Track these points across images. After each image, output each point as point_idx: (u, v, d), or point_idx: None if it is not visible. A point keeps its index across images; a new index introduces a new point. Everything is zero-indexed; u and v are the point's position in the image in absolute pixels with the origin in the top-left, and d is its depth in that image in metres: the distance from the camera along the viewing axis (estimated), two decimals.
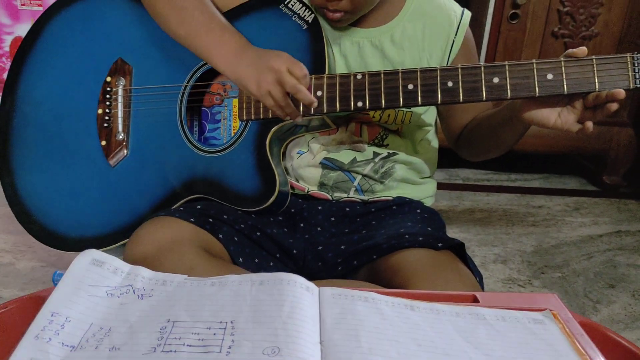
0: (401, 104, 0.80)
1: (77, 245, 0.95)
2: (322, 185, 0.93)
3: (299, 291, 0.47)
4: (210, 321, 0.43)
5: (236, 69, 0.82)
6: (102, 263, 0.48)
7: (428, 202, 0.99)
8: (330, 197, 0.93)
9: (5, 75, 1.73)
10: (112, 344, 0.40)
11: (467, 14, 0.94)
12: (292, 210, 0.91)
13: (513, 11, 1.76)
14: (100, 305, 0.45)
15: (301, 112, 0.82)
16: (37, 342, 0.39)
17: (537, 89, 0.76)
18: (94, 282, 0.46)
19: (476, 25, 1.80)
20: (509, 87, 0.77)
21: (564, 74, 0.75)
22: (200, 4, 0.86)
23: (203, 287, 0.48)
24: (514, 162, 2.03)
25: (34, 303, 0.53)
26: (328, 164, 0.92)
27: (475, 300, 0.55)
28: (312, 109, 0.82)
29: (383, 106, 0.81)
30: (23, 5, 1.69)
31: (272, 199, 0.85)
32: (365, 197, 0.94)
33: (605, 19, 1.80)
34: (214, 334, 0.42)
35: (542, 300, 0.55)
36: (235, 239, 0.82)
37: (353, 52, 0.90)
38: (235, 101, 0.92)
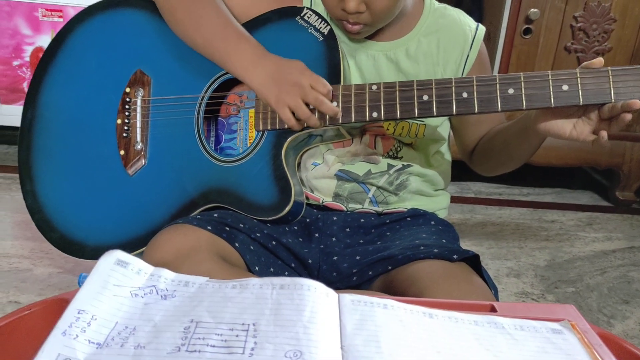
0: (416, 115, 0.81)
1: (95, 253, 0.96)
2: (336, 196, 0.94)
3: (319, 296, 0.48)
4: (233, 323, 0.44)
5: (254, 78, 0.83)
6: (126, 263, 0.49)
7: (442, 214, 0.99)
8: (344, 208, 0.94)
9: (25, 84, 1.76)
10: (137, 343, 0.41)
11: (482, 29, 0.95)
12: (307, 220, 0.92)
13: (526, 26, 1.77)
14: (124, 305, 0.45)
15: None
16: (64, 339, 0.40)
17: (552, 99, 0.76)
18: (118, 282, 0.47)
19: (489, 39, 1.80)
20: (524, 98, 0.77)
21: (579, 85, 0.75)
22: (217, 12, 0.88)
23: (225, 289, 0.48)
24: (526, 175, 2.03)
25: (57, 305, 0.53)
26: (343, 176, 0.93)
27: (492, 309, 0.55)
28: (328, 119, 0.83)
29: (398, 117, 0.81)
30: (44, 16, 1.72)
31: (287, 209, 0.85)
32: (379, 209, 0.94)
33: (618, 35, 1.80)
34: (237, 336, 0.42)
35: (559, 310, 0.55)
36: (251, 247, 0.83)
37: (368, 65, 0.91)
38: (252, 112, 0.93)
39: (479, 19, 0.97)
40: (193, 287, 0.48)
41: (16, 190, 1.63)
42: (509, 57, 1.81)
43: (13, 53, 1.76)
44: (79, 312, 0.43)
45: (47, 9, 1.72)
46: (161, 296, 0.47)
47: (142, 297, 0.46)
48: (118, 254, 0.49)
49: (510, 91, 0.77)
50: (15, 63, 1.77)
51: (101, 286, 0.46)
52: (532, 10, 1.75)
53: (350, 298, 0.50)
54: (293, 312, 0.45)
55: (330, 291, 0.50)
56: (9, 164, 1.83)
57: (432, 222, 0.94)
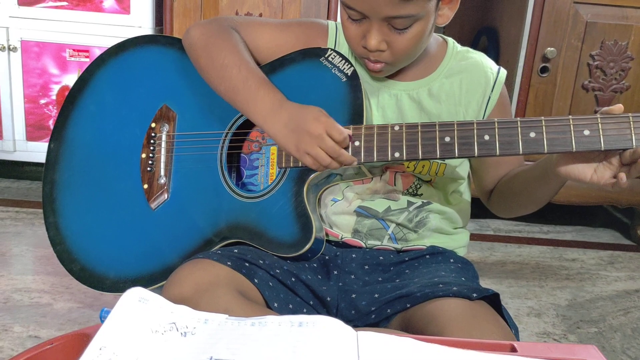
0: (438, 156, 0.81)
1: (115, 286, 0.97)
2: (355, 232, 0.94)
3: (338, 334, 0.48)
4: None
5: (272, 126, 0.85)
6: (147, 301, 0.50)
7: (461, 252, 0.99)
8: (364, 245, 0.94)
9: (51, 122, 1.81)
10: None
11: (503, 72, 0.96)
12: (326, 257, 0.92)
13: (543, 64, 1.78)
14: (145, 341, 0.46)
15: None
16: None
17: (574, 144, 0.77)
18: (139, 318, 0.47)
19: (506, 78, 1.82)
20: (545, 142, 0.78)
21: (600, 130, 0.76)
22: (239, 62, 0.90)
23: (243, 326, 0.49)
24: (546, 213, 2.01)
25: (78, 340, 0.54)
26: (362, 212, 0.93)
27: (513, 349, 0.55)
28: None
29: (420, 157, 0.82)
30: (71, 56, 1.78)
31: (308, 246, 0.86)
32: (398, 246, 0.94)
33: (636, 72, 1.80)
34: None
35: (581, 351, 0.55)
36: (270, 284, 0.83)
37: (391, 104, 0.93)
38: (273, 148, 0.95)
39: (495, 57, 0.98)
40: (212, 325, 0.49)
41: (38, 225, 1.65)
42: (526, 95, 1.81)
43: (40, 92, 1.81)
44: (100, 349, 0.43)
45: (74, 49, 1.78)
46: (181, 333, 0.47)
47: (163, 333, 0.47)
48: (139, 292, 0.50)
49: (532, 134, 0.78)
50: (42, 101, 1.82)
51: (122, 323, 0.47)
52: (548, 49, 1.76)
53: (369, 336, 0.50)
54: (312, 349, 0.45)
55: (349, 329, 0.50)
56: (32, 199, 1.86)
57: (451, 260, 0.94)
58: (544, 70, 1.79)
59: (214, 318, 0.50)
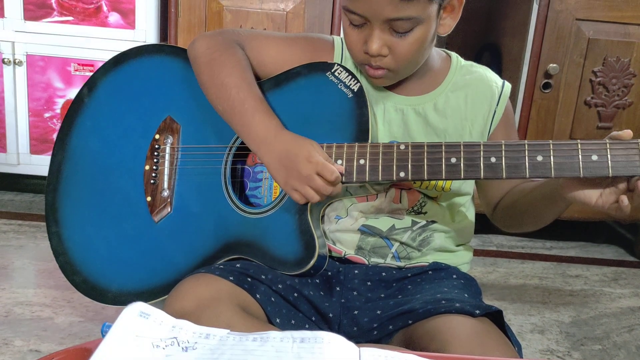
0: (443, 177, 0.81)
1: (118, 299, 0.96)
2: (359, 249, 0.94)
3: (340, 350, 0.48)
4: None
5: (264, 156, 0.85)
6: (149, 315, 0.49)
7: (464, 269, 0.98)
8: (366, 262, 0.94)
9: (55, 136, 1.82)
10: None
11: (508, 86, 0.96)
12: (329, 274, 0.92)
13: (545, 81, 1.79)
14: (146, 356, 0.46)
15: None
16: None
17: (581, 169, 0.76)
18: (140, 333, 0.47)
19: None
20: (552, 166, 0.77)
21: (609, 156, 0.75)
22: (239, 82, 0.89)
23: (245, 342, 0.48)
24: (549, 229, 2.00)
25: (79, 355, 0.54)
26: (366, 230, 0.93)
27: None
28: (355, 176, 0.84)
29: (425, 178, 0.81)
30: (76, 70, 1.79)
31: (311, 264, 0.85)
32: (401, 264, 0.94)
33: (639, 89, 1.81)
34: None
35: None
36: (273, 299, 0.83)
37: (397, 119, 0.92)
38: None
39: (498, 73, 0.98)
40: (214, 340, 0.48)
41: (41, 238, 1.65)
42: (528, 111, 1.82)
43: (45, 105, 1.83)
44: None
45: (79, 64, 1.79)
46: (182, 348, 0.47)
47: (164, 348, 0.47)
48: (141, 306, 0.50)
49: (539, 158, 0.78)
50: (46, 115, 1.83)
51: (123, 337, 0.46)
52: (551, 65, 1.77)
53: (371, 352, 0.50)
54: None
55: (351, 345, 0.49)
56: (35, 212, 1.87)
57: (454, 276, 0.93)
58: (546, 86, 1.80)
59: (216, 333, 0.49)
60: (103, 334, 0.48)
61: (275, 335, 0.49)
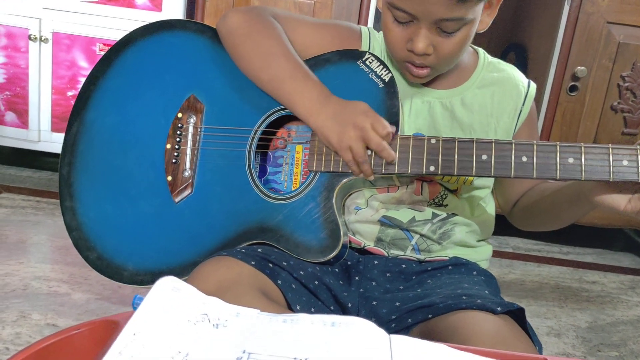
0: (474, 173, 0.80)
1: (134, 278, 0.94)
2: (378, 241, 0.93)
3: (372, 336, 0.47)
4: (285, 356, 0.43)
5: (317, 118, 0.84)
6: (180, 290, 0.49)
7: (483, 265, 0.97)
8: (386, 254, 0.93)
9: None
10: None
11: (533, 86, 0.96)
12: (349, 263, 0.91)
13: (572, 83, 1.77)
14: (177, 330, 0.45)
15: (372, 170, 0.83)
16: (121, 358, 0.40)
17: (611, 174, 0.75)
18: (172, 307, 0.47)
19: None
20: (583, 168, 0.76)
21: (639, 162, 0.75)
22: (286, 51, 0.89)
23: (275, 322, 0.48)
24: (565, 234, 1.99)
25: (106, 327, 0.54)
26: (386, 222, 0.92)
27: None
28: (383, 168, 0.83)
29: (455, 173, 0.80)
30: (101, 50, 1.80)
31: (335, 252, 0.84)
32: (421, 257, 0.93)
33: None
34: None
35: None
36: (293, 286, 0.82)
37: (423, 112, 0.92)
38: (299, 147, 0.93)
39: (523, 73, 0.98)
40: (244, 319, 0.48)
41: (58, 215, 1.64)
42: (553, 113, 1.80)
43: (68, 84, 1.83)
44: (134, 334, 0.43)
45: (104, 44, 1.80)
46: (213, 324, 0.46)
47: (195, 324, 0.46)
48: (173, 281, 0.50)
49: (570, 160, 0.77)
50: (69, 93, 1.84)
51: (155, 311, 0.46)
52: (579, 68, 1.75)
53: (401, 340, 0.49)
54: (345, 349, 0.45)
55: (382, 331, 0.49)
56: (53, 190, 1.88)
57: (474, 272, 0.92)
58: (573, 89, 1.78)
59: (246, 312, 0.49)
60: (135, 306, 0.47)
61: (305, 318, 0.49)
